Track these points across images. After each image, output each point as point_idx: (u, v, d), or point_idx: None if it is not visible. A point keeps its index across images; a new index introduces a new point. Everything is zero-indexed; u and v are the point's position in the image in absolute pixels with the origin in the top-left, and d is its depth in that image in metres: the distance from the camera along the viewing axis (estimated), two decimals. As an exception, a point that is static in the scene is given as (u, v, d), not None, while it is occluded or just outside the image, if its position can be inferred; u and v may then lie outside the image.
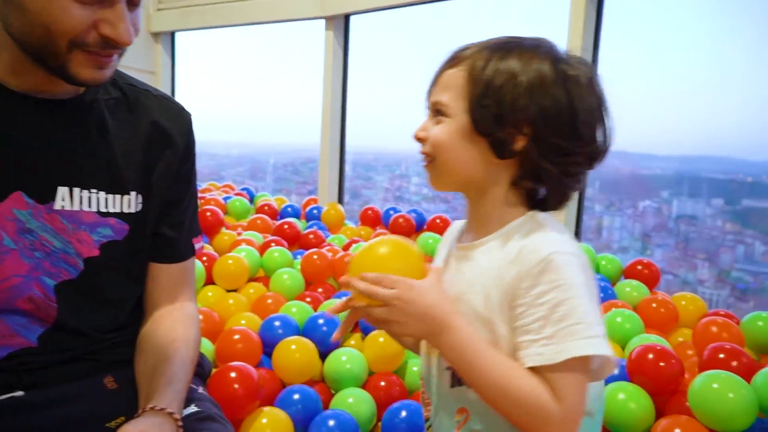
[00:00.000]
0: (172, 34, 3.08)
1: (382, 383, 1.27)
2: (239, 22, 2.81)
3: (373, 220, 2.36)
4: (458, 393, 0.74)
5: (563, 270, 0.64)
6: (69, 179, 0.82)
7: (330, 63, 2.51)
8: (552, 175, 0.68)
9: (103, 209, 0.84)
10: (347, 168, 2.73)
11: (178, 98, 2.81)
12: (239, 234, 2.05)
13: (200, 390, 0.92)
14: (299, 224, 2.22)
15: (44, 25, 0.70)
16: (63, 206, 0.81)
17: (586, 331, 0.62)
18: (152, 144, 0.89)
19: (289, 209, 2.51)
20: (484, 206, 0.74)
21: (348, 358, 1.29)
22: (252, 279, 1.75)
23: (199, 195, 2.51)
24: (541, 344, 0.63)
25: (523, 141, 0.67)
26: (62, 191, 0.81)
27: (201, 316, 1.06)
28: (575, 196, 0.76)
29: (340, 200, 2.68)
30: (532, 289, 0.64)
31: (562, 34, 1.86)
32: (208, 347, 1.27)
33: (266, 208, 2.47)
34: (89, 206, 0.83)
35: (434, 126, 0.73)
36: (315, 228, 2.23)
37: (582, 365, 0.63)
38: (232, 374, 1.11)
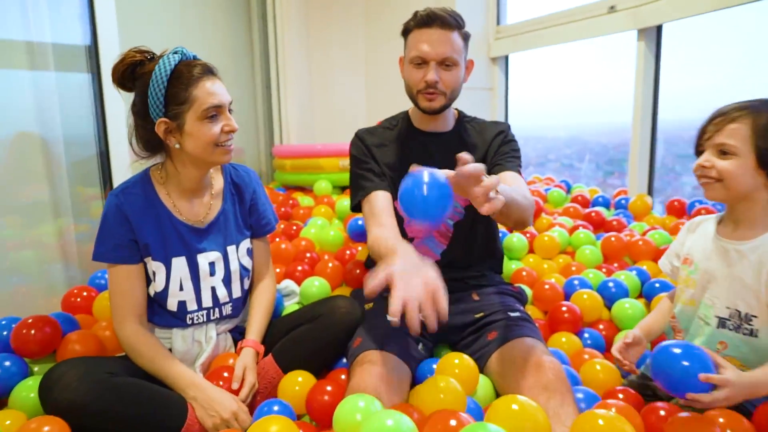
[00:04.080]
0: (506, 57, 3.76)
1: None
2: (561, 41, 3.24)
3: (678, 211, 2.54)
4: (722, 333, 1.13)
5: None
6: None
7: (641, 72, 2.73)
8: None
9: None
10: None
11: (510, 104, 3.60)
12: (554, 218, 2.54)
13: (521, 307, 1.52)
14: (606, 213, 2.59)
15: (408, 84, 1.47)
16: None
17: None
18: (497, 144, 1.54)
19: (600, 199, 2.83)
20: (749, 211, 1.11)
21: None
22: (562, 252, 2.23)
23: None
24: None
25: None
26: None
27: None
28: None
29: (650, 191, 2.87)
30: None
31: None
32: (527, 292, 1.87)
33: (580, 198, 2.87)
34: None
35: (720, 160, 1.08)
36: (621, 216, 2.54)
37: None
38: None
